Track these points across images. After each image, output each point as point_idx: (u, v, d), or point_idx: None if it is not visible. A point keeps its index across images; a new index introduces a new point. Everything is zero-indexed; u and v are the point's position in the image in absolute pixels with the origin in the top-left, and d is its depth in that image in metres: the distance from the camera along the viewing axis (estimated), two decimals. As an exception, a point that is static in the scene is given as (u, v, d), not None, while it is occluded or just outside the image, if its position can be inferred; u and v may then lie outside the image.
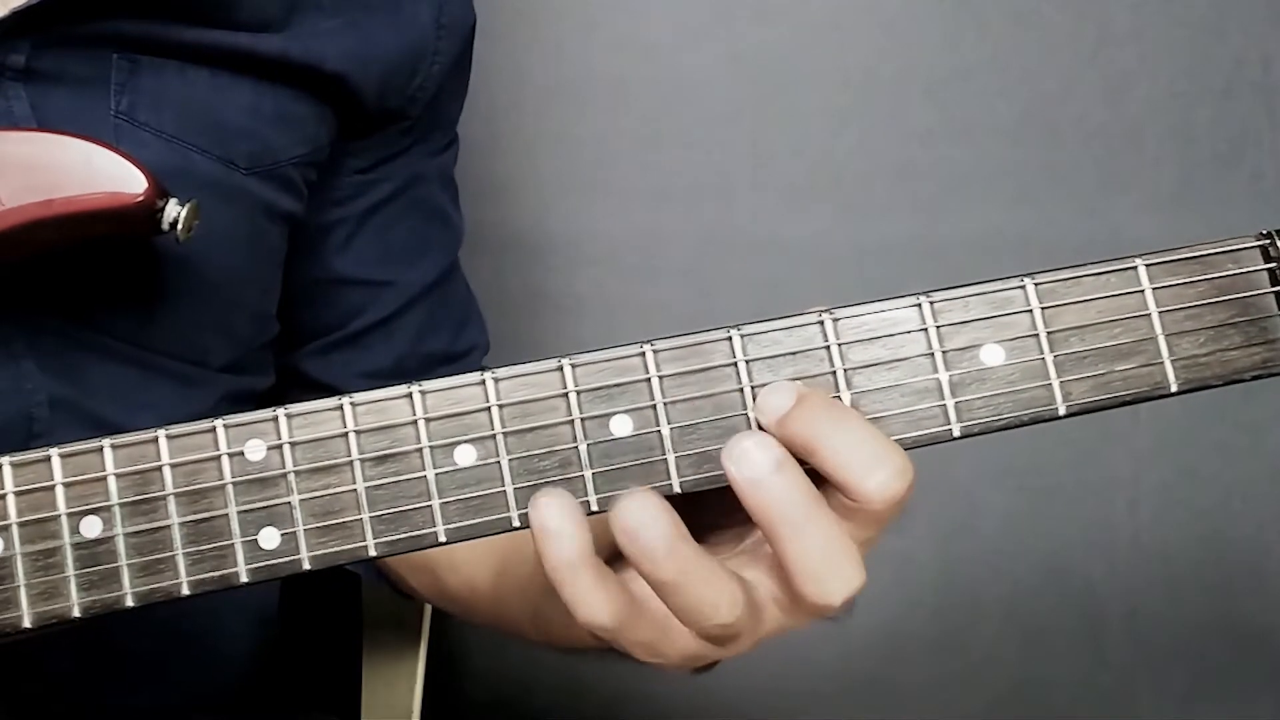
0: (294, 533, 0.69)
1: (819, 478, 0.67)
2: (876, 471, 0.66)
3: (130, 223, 0.80)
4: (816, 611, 0.68)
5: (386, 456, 0.69)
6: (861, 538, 0.68)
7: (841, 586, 0.66)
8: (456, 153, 1.09)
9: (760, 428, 0.68)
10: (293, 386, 1.04)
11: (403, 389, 0.69)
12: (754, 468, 0.66)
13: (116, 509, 0.69)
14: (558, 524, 0.65)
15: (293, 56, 0.93)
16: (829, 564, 0.66)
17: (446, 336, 1.07)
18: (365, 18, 0.96)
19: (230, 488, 0.69)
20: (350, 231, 1.02)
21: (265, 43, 0.92)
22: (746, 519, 0.68)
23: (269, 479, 0.69)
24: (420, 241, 1.05)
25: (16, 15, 0.84)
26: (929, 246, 1.40)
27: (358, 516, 0.69)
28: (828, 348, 0.69)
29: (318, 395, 0.70)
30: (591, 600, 0.66)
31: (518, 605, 0.88)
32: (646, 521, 0.65)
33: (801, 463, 0.67)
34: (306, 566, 0.69)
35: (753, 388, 0.69)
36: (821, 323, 0.70)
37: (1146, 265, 0.70)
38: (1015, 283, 0.70)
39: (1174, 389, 0.70)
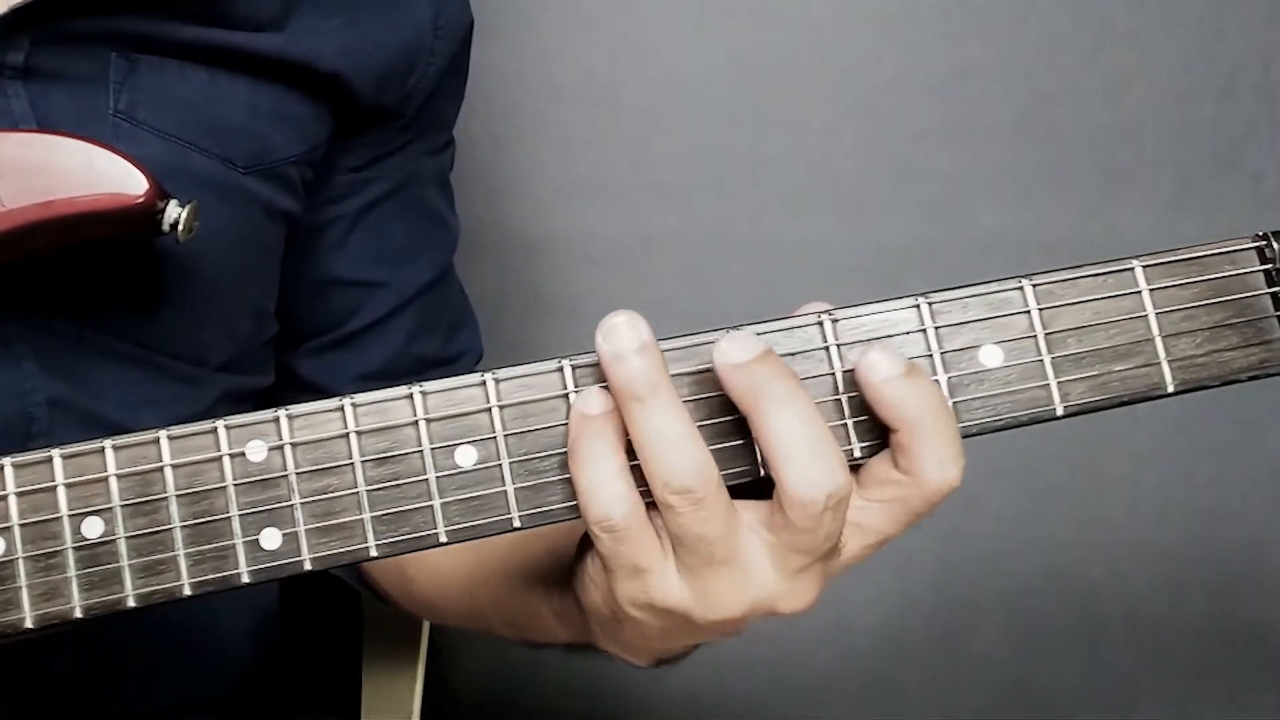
0: (295, 533, 0.69)
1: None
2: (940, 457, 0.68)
3: (131, 224, 0.80)
4: (804, 518, 0.67)
5: (387, 458, 0.69)
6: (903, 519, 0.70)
7: (821, 473, 0.66)
8: (453, 155, 1.09)
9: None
10: (287, 388, 1.04)
11: (403, 390, 0.70)
12: (736, 355, 0.67)
13: (118, 510, 0.69)
14: (602, 407, 0.68)
15: (290, 55, 0.93)
16: (808, 444, 0.66)
17: (439, 340, 1.07)
18: (362, 17, 0.96)
19: (231, 488, 0.69)
20: (345, 231, 1.02)
21: (263, 42, 0.92)
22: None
23: (270, 480, 0.69)
24: (416, 242, 1.05)
25: (15, 12, 0.84)
26: (929, 247, 1.40)
27: (359, 517, 0.69)
28: (827, 348, 0.70)
29: (312, 397, 0.70)
30: (611, 489, 0.68)
31: (490, 598, 0.88)
32: (622, 323, 0.67)
33: None
34: (308, 567, 0.70)
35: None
36: (821, 324, 0.70)
37: (1143, 267, 0.70)
38: (1013, 284, 0.70)
39: (1171, 389, 0.70)
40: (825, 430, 0.67)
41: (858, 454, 0.70)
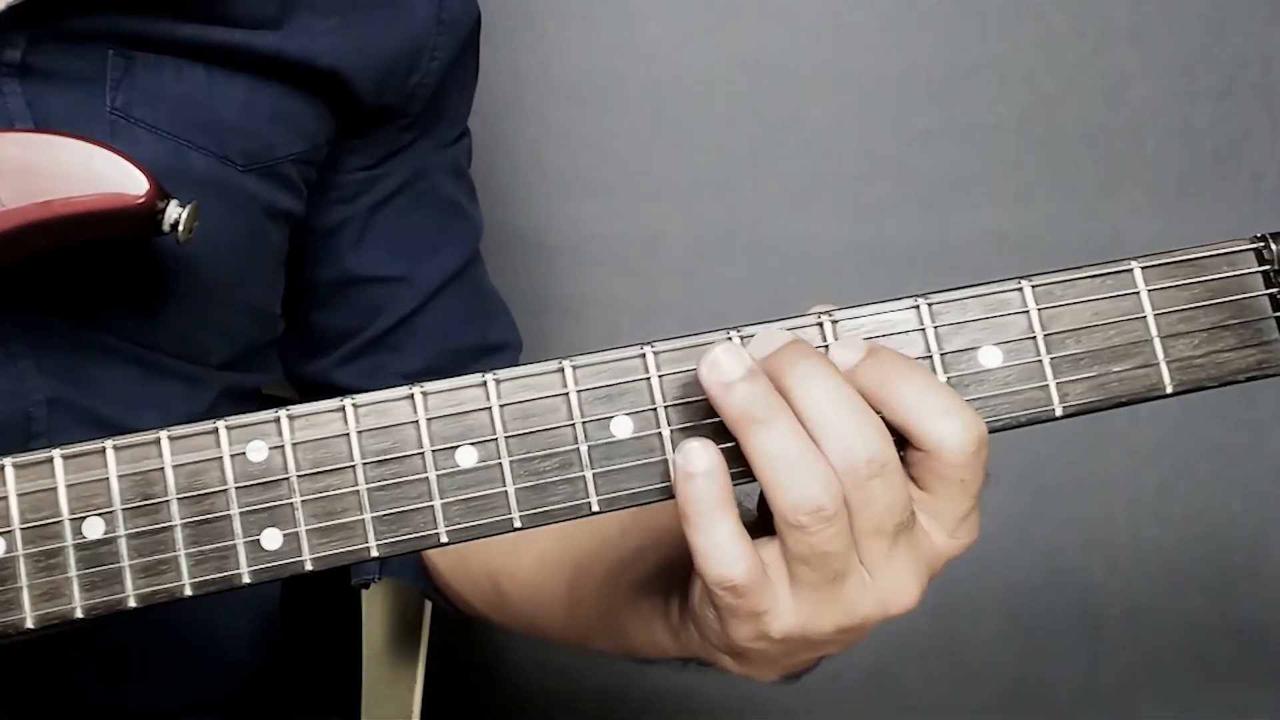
0: (296, 533, 0.69)
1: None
2: (946, 420, 0.67)
3: (131, 224, 0.80)
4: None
5: (388, 458, 0.69)
6: (954, 512, 0.71)
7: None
8: (469, 147, 1.08)
9: None
10: None
11: (404, 390, 0.70)
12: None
13: (119, 510, 0.69)
14: (708, 464, 0.66)
15: (287, 53, 0.93)
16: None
17: (477, 330, 1.05)
18: (359, 17, 0.95)
19: (232, 489, 0.69)
20: (360, 229, 1.02)
21: (260, 40, 0.92)
22: None
23: (271, 480, 0.69)
24: (434, 234, 1.04)
25: (12, 10, 0.84)
26: (929, 247, 1.40)
27: (359, 517, 0.69)
28: (827, 349, 0.70)
29: None
30: (728, 549, 0.66)
31: (594, 611, 0.86)
32: (722, 353, 0.66)
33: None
34: (309, 567, 0.70)
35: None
36: (821, 324, 0.70)
37: (1142, 268, 0.71)
38: (1012, 285, 0.70)
39: (1169, 390, 0.70)
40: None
41: None
